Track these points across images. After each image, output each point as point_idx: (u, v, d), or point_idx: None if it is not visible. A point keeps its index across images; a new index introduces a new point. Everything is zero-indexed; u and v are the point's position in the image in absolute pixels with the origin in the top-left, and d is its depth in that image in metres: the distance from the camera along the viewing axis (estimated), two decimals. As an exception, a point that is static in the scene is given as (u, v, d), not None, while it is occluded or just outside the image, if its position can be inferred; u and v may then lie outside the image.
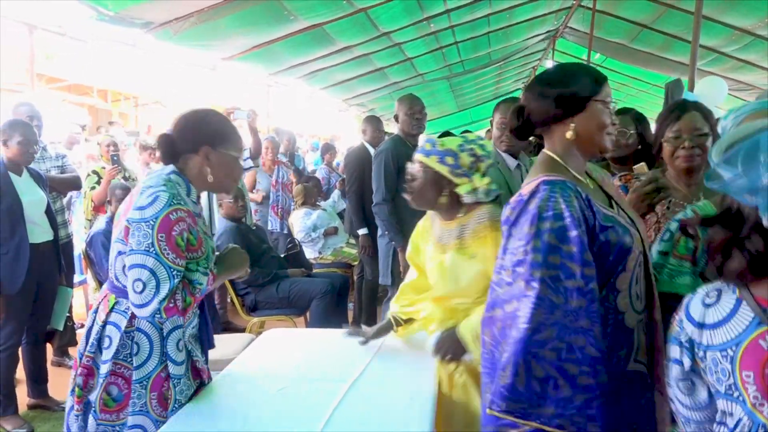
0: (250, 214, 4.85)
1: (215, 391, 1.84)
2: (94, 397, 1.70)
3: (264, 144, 5.09)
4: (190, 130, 1.76)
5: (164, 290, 1.59)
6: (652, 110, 8.65)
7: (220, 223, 4.00)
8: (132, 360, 1.69)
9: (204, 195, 2.20)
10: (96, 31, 4.87)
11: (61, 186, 3.73)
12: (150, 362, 1.69)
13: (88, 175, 4.29)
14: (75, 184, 3.89)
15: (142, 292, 1.59)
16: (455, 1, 6.71)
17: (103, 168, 4.28)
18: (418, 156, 1.96)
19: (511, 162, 2.66)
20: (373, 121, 4.54)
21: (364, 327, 2.26)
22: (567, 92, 1.40)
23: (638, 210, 1.71)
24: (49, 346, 3.67)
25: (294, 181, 5.84)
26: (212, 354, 1.95)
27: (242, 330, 4.08)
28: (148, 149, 5.75)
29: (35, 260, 3.09)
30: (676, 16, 6.86)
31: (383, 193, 3.53)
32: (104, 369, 1.68)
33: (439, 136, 5.35)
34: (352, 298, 4.76)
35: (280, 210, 5.37)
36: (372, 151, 4.03)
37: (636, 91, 11.05)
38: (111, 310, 1.71)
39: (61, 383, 3.25)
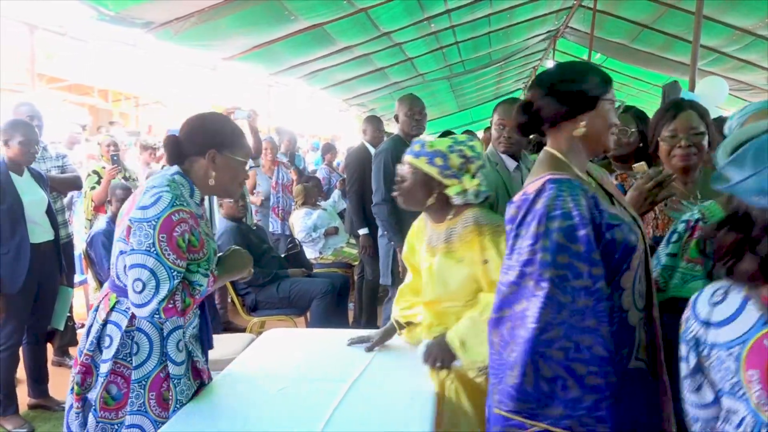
0: (251, 214, 4.86)
1: (215, 391, 1.84)
2: (93, 395, 1.70)
3: (263, 145, 5.09)
4: (198, 133, 1.76)
5: (164, 291, 1.59)
6: (652, 110, 8.54)
7: (221, 223, 4.00)
8: (131, 360, 1.69)
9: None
10: (97, 31, 4.87)
11: (61, 186, 3.73)
12: (149, 362, 1.69)
13: (89, 175, 4.29)
14: (75, 183, 3.90)
15: (141, 291, 1.59)
16: (456, 1, 6.71)
17: (104, 168, 4.28)
18: (407, 157, 1.96)
19: (511, 163, 2.65)
20: (374, 121, 4.54)
21: (367, 332, 2.26)
22: (580, 89, 1.39)
23: (640, 208, 1.70)
24: (49, 345, 3.67)
25: (295, 181, 5.84)
26: (212, 354, 1.95)
27: (243, 330, 4.08)
28: (149, 149, 5.76)
29: (36, 260, 3.09)
30: (676, 16, 6.86)
31: (383, 194, 3.53)
32: (104, 368, 1.69)
33: (440, 136, 5.35)
34: (353, 298, 4.77)
35: (280, 211, 5.37)
36: (372, 151, 4.03)
37: (636, 91, 11.04)
38: (112, 309, 1.72)
39: (61, 383, 3.25)
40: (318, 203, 5.46)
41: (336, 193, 6.28)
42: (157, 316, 1.61)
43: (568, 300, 1.25)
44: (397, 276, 3.56)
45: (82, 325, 4.18)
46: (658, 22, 7.32)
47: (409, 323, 2.16)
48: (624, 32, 8.18)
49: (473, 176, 1.90)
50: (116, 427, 1.69)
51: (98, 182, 4.25)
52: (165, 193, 1.62)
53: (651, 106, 10.43)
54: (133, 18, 4.31)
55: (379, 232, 3.83)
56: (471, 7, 7.14)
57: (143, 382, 1.68)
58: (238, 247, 1.98)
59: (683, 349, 1.09)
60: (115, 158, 4.26)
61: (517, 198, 1.39)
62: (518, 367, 1.27)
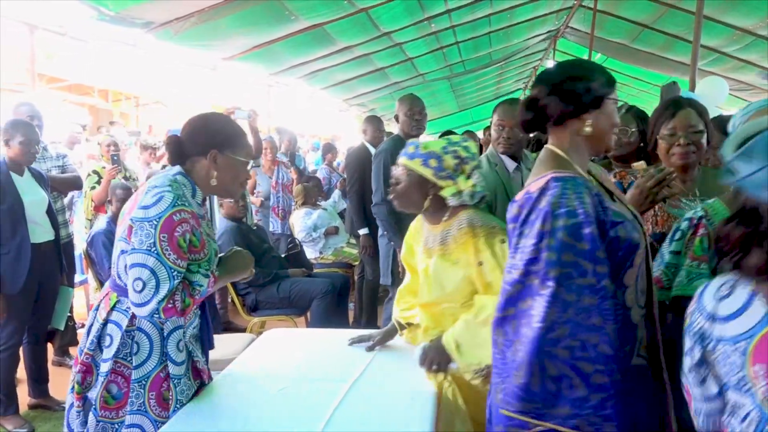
0: (251, 214, 4.86)
1: (216, 391, 1.84)
2: (94, 394, 1.70)
3: (263, 144, 5.09)
4: (199, 133, 1.77)
5: (164, 290, 1.59)
6: (652, 110, 8.59)
7: (221, 223, 4.00)
8: (132, 359, 1.69)
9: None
10: (97, 31, 4.86)
11: (61, 186, 3.73)
12: (149, 362, 1.69)
13: (89, 174, 4.29)
14: (76, 183, 3.90)
15: (141, 291, 1.59)
16: (456, 1, 6.71)
17: (104, 168, 4.28)
18: (401, 159, 1.95)
19: (510, 164, 2.64)
20: (374, 121, 4.54)
21: (368, 332, 2.26)
22: (588, 88, 1.39)
23: (641, 206, 1.71)
24: (50, 345, 3.67)
25: (295, 181, 5.84)
26: (213, 354, 1.95)
27: (243, 330, 4.08)
28: (149, 149, 5.76)
29: (36, 260, 3.09)
30: (677, 16, 6.86)
31: (383, 194, 3.53)
32: (105, 367, 1.69)
33: (441, 136, 5.37)
34: (353, 298, 4.76)
35: (281, 211, 5.37)
36: (373, 151, 4.03)
37: (637, 91, 11.04)
38: (112, 308, 1.72)
39: (61, 383, 3.25)
40: (318, 203, 5.46)
41: (336, 193, 6.28)
42: (157, 315, 1.61)
43: (573, 298, 1.25)
44: (397, 276, 3.56)
45: (83, 325, 4.18)
46: (659, 22, 7.32)
47: (410, 324, 2.16)
48: (624, 32, 8.18)
49: (468, 177, 1.90)
50: (116, 426, 1.69)
51: (98, 182, 4.25)
52: (167, 193, 1.63)
53: (651, 106, 10.34)
54: (133, 18, 4.31)
55: (379, 232, 3.82)
56: (471, 7, 7.14)
57: (143, 382, 1.68)
58: (239, 248, 1.98)
59: (688, 343, 1.09)
60: (115, 158, 4.26)
61: (519, 196, 1.38)
62: (524, 367, 1.27)
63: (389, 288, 3.72)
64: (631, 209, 1.47)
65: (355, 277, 4.77)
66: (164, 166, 5.75)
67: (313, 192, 5.40)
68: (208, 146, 1.73)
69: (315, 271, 4.49)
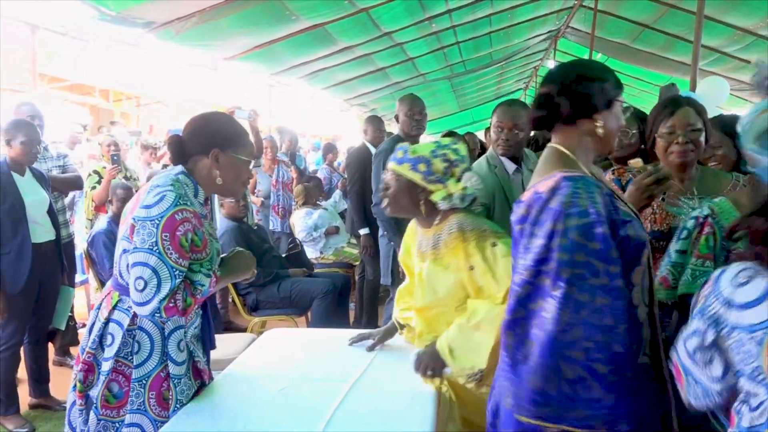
0: (252, 214, 4.86)
1: (216, 391, 1.84)
2: (95, 393, 1.71)
3: (263, 144, 5.09)
4: (201, 132, 1.77)
5: (165, 289, 1.59)
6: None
7: (222, 223, 4.00)
8: (132, 358, 1.69)
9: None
10: (98, 31, 4.87)
11: (62, 185, 3.74)
12: (150, 361, 1.69)
13: (89, 174, 4.30)
14: (76, 183, 3.90)
15: (143, 290, 1.59)
16: (457, 1, 6.71)
17: (104, 168, 4.28)
18: (390, 164, 1.95)
19: (510, 166, 2.63)
20: (375, 121, 4.54)
21: (368, 331, 2.26)
22: (602, 88, 1.39)
23: (638, 202, 1.71)
24: (50, 345, 3.67)
25: (295, 179, 5.84)
26: (213, 354, 1.95)
27: (243, 330, 4.08)
28: (150, 149, 5.76)
29: (37, 260, 3.09)
30: (677, 16, 6.85)
31: (383, 194, 3.53)
32: (106, 366, 1.69)
33: (443, 136, 5.35)
34: (354, 298, 4.77)
35: (281, 209, 5.37)
36: (373, 151, 4.03)
37: (638, 91, 11.03)
38: (114, 307, 1.72)
39: (62, 383, 3.25)
40: (319, 203, 5.46)
41: (337, 193, 6.29)
42: (158, 315, 1.61)
43: (586, 299, 1.24)
44: (398, 276, 3.56)
45: (83, 325, 4.18)
46: (659, 22, 7.31)
47: (408, 324, 2.16)
48: (625, 32, 8.17)
49: (458, 180, 1.89)
50: (117, 425, 1.69)
51: (99, 182, 4.25)
52: (169, 192, 1.63)
53: (652, 106, 10.38)
54: (134, 18, 4.31)
55: (380, 232, 3.82)
56: (472, 7, 7.14)
57: (143, 381, 1.68)
58: (241, 249, 1.98)
59: (699, 324, 1.08)
60: (116, 158, 4.26)
61: (526, 196, 1.37)
62: (540, 372, 1.26)
63: (390, 288, 3.72)
64: (632, 208, 1.47)
65: (356, 277, 4.77)
66: (164, 166, 5.76)
67: (313, 192, 5.40)
68: (209, 145, 1.74)
69: (315, 271, 4.49)
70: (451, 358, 1.82)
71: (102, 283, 3.47)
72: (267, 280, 3.75)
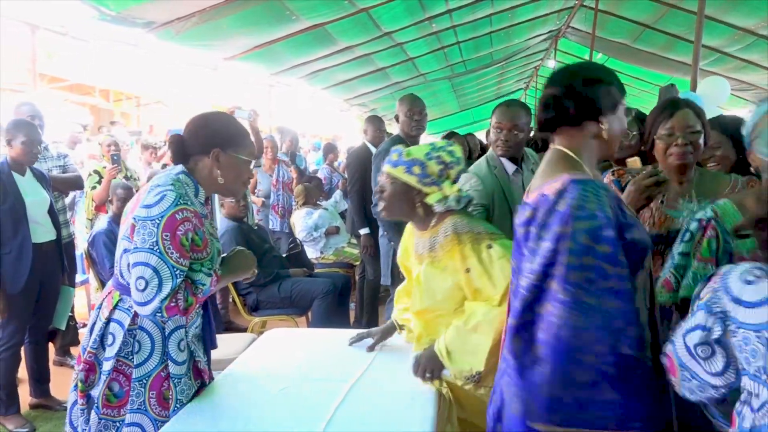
0: (252, 214, 4.86)
1: (217, 391, 1.84)
2: (96, 392, 1.71)
3: (264, 144, 5.09)
4: (202, 132, 1.77)
5: (166, 289, 1.59)
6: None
7: (222, 223, 4.00)
8: (133, 358, 1.69)
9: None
10: (98, 31, 4.87)
11: (63, 185, 3.74)
12: (150, 361, 1.70)
13: (90, 174, 4.30)
14: (77, 183, 3.90)
15: (144, 290, 1.59)
16: (457, 0, 6.71)
17: (105, 167, 4.28)
18: (385, 167, 1.94)
19: (510, 167, 2.62)
20: (375, 121, 4.54)
21: (368, 330, 2.26)
22: (608, 91, 1.39)
23: (636, 203, 1.71)
24: (51, 345, 3.67)
25: (295, 180, 5.84)
26: (214, 354, 1.95)
27: (244, 330, 4.08)
28: (150, 148, 5.76)
29: (38, 260, 3.09)
30: (678, 16, 6.85)
31: (383, 194, 3.52)
32: (107, 366, 1.69)
33: (444, 137, 5.32)
34: (354, 298, 4.77)
35: (280, 209, 5.37)
36: (374, 150, 4.03)
37: (638, 91, 11.03)
38: (115, 307, 1.72)
39: (63, 383, 3.26)
40: (319, 203, 5.46)
41: (338, 194, 6.29)
42: (159, 314, 1.61)
43: (595, 302, 1.23)
44: (398, 276, 3.56)
45: (84, 325, 4.18)
46: (660, 22, 7.31)
47: (406, 326, 2.16)
48: (626, 32, 8.17)
49: (453, 182, 1.88)
50: (118, 424, 1.70)
51: (99, 182, 4.25)
52: (169, 192, 1.63)
53: (652, 106, 10.38)
54: (134, 18, 4.31)
55: (380, 232, 3.82)
56: (472, 7, 7.14)
57: (144, 381, 1.69)
58: (242, 248, 1.98)
59: (704, 318, 1.07)
60: (116, 158, 4.26)
61: (532, 199, 1.36)
62: (553, 377, 1.25)
63: (390, 288, 3.72)
64: (632, 212, 1.47)
65: (356, 277, 4.77)
66: (164, 166, 5.76)
67: (314, 192, 5.41)
68: (210, 145, 1.74)
69: (316, 271, 4.49)
70: (448, 361, 1.82)
71: (102, 283, 3.47)
72: (267, 280, 3.75)
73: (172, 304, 1.61)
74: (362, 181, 4.07)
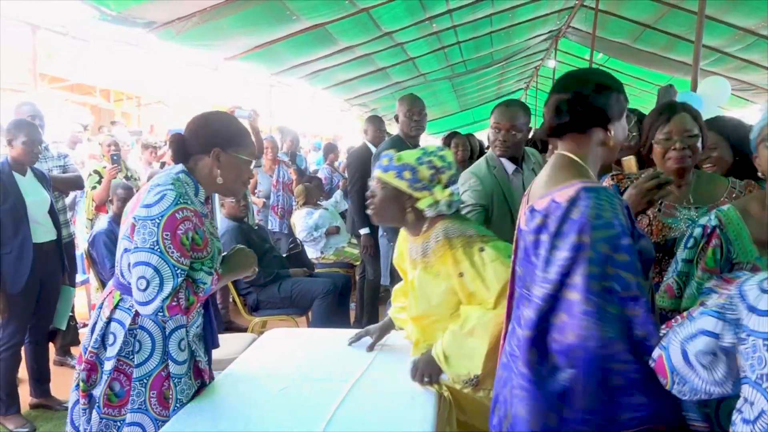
0: (253, 214, 4.86)
1: (217, 391, 1.85)
2: (98, 392, 1.71)
3: (264, 144, 5.09)
4: (203, 131, 1.77)
5: (167, 288, 1.59)
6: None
7: (222, 223, 4.01)
8: (134, 357, 1.70)
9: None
10: (98, 31, 4.88)
11: (63, 185, 3.74)
12: (151, 361, 1.70)
13: (90, 174, 4.30)
14: (77, 183, 3.90)
15: (145, 289, 1.59)
16: (457, 0, 6.71)
17: (105, 167, 4.29)
18: (376, 172, 1.93)
19: (509, 166, 2.62)
20: (375, 121, 4.54)
21: (367, 328, 2.26)
22: (617, 98, 1.39)
23: (637, 207, 1.70)
24: (51, 345, 3.67)
25: (295, 180, 5.84)
26: (214, 353, 1.95)
27: (244, 330, 4.08)
28: (150, 148, 5.76)
29: (38, 260, 3.09)
30: (679, 16, 6.85)
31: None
32: (108, 365, 1.70)
33: (446, 137, 5.30)
34: (354, 298, 4.77)
35: (280, 210, 5.37)
36: (374, 150, 4.03)
37: (639, 91, 11.02)
38: (115, 306, 1.73)
39: (63, 383, 3.26)
40: (319, 203, 5.46)
41: (338, 194, 6.29)
42: (161, 314, 1.61)
43: (618, 311, 1.23)
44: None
45: (84, 325, 4.19)
46: (660, 22, 7.31)
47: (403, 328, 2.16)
48: (626, 32, 8.17)
49: (445, 187, 1.87)
50: (119, 424, 1.70)
51: (99, 182, 4.25)
52: (169, 191, 1.63)
53: (653, 107, 10.37)
54: (134, 18, 4.32)
55: (380, 232, 3.82)
56: (472, 7, 7.14)
57: (145, 381, 1.69)
58: (242, 246, 1.98)
59: (714, 324, 1.07)
60: (116, 158, 4.27)
61: (541, 205, 1.34)
62: (586, 389, 1.24)
63: (389, 288, 3.72)
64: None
65: (357, 277, 4.77)
66: (162, 165, 5.77)
67: (314, 192, 5.41)
68: (211, 144, 1.74)
69: (316, 270, 4.49)
70: (446, 365, 1.82)
71: (102, 283, 3.47)
72: (268, 280, 3.75)
73: (174, 304, 1.61)
74: (362, 181, 4.07)
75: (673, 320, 1.20)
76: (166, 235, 1.59)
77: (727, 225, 1.55)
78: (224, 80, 7.27)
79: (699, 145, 1.85)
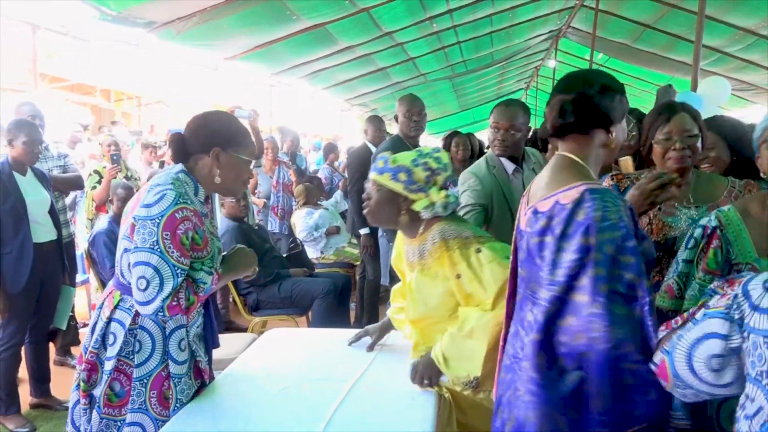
0: (253, 214, 4.86)
1: (217, 391, 1.85)
2: (98, 392, 1.71)
3: (264, 144, 5.09)
4: (202, 131, 1.77)
5: (168, 288, 1.59)
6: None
7: (223, 223, 4.01)
8: (134, 357, 1.70)
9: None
10: (99, 31, 4.88)
11: (63, 185, 3.74)
12: (151, 361, 1.70)
13: (90, 174, 4.30)
14: (77, 183, 3.90)
15: (145, 289, 1.60)
16: (458, 0, 6.71)
17: (105, 167, 4.29)
18: (371, 175, 1.93)
19: (509, 166, 2.62)
20: (375, 121, 4.54)
21: (366, 328, 2.26)
22: (621, 100, 1.39)
23: (639, 208, 1.70)
24: (51, 345, 3.67)
25: (294, 182, 5.84)
26: (214, 353, 1.96)
27: (244, 330, 4.08)
28: (149, 147, 5.76)
29: (39, 260, 3.09)
30: (679, 16, 6.85)
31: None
32: (109, 366, 1.70)
33: (447, 136, 5.28)
34: (354, 298, 4.77)
35: (280, 211, 5.37)
36: (374, 150, 4.03)
37: (639, 91, 11.03)
38: (116, 306, 1.73)
39: (63, 382, 3.26)
40: (319, 203, 5.46)
41: (338, 194, 6.29)
42: (161, 314, 1.61)
43: (627, 312, 1.24)
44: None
45: (84, 325, 4.19)
46: (661, 22, 7.31)
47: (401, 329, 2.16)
48: (626, 32, 8.17)
49: (441, 188, 1.87)
50: (119, 423, 1.70)
51: (99, 182, 4.25)
52: (169, 191, 1.63)
53: (653, 107, 10.36)
54: (135, 18, 4.32)
55: (380, 232, 3.82)
56: (473, 7, 7.14)
57: (145, 381, 1.69)
58: (242, 246, 1.98)
59: (721, 325, 1.06)
60: (115, 158, 4.27)
61: (545, 207, 1.34)
62: (601, 391, 1.24)
63: (390, 288, 3.72)
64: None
65: (357, 277, 4.77)
66: (161, 164, 5.77)
67: (314, 192, 5.40)
68: (210, 144, 1.74)
69: (316, 270, 4.49)
70: (446, 367, 1.81)
71: (103, 283, 3.47)
72: (268, 279, 3.75)
73: (174, 303, 1.61)
74: (362, 181, 4.04)
75: (672, 321, 1.20)
76: (166, 234, 1.59)
77: (727, 226, 1.55)
78: (224, 80, 7.28)
79: (699, 145, 1.85)
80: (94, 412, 1.71)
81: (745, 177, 1.90)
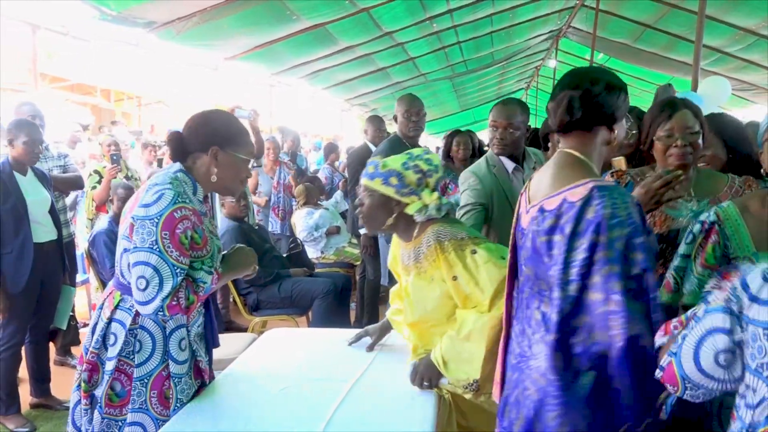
0: (253, 214, 4.86)
1: (217, 391, 1.85)
2: (99, 392, 1.71)
3: (266, 144, 5.09)
4: (201, 130, 1.77)
5: (167, 288, 1.59)
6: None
7: (223, 223, 4.01)
8: (134, 357, 1.70)
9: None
10: (99, 31, 4.88)
11: (63, 185, 3.74)
12: (152, 360, 1.70)
13: (90, 174, 4.30)
14: (77, 183, 3.90)
15: (145, 289, 1.59)
16: (458, 0, 6.71)
17: (105, 167, 4.29)
18: (362, 180, 1.92)
19: (509, 165, 2.62)
20: (375, 121, 4.54)
21: (366, 328, 2.26)
22: (624, 98, 1.39)
23: (645, 207, 1.69)
24: (51, 345, 3.67)
25: (293, 183, 5.84)
26: (214, 353, 1.95)
27: (244, 329, 4.08)
28: (149, 147, 5.76)
29: (39, 259, 3.09)
30: (679, 16, 6.85)
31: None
32: (110, 366, 1.70)
33: (448, 135, 5.26)
34: (355, 298, 4.77)
35: (280, 211, 5.37)
36: (374, 150, 4.02)
37: (639, 91, 11.01)
38: (116, 307, 1.73)
39: (63, 382, 3.26)
40: (320, 203, 5.46)
41: (338, 193, 6.29)
42: (161, 313, 1.61)
43: (640, 308, 1.24)
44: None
45: (85, 325, 4.19)
46: (661, 22, 7.31)
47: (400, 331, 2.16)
48: (627, 32, 8.17)
49: (433, 190, 1.86)
50: (120, 423, 1.70)
51: (99, 182, 4.25)
52: (167, 191, 1.63)
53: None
54: (135, 18, 4.32)
55: (381, 232, 3.81)
56: (473, 7, 7.14)
57: (145, 380, 1.69)
58: (242, 245, 1.98)
59: (724, 319, 1.06)
60: (115, 158, 4.27)
61: (552, 206, 1.33)
62: (623, 384, 1.24)
63: (389, 288, 3.72)
64: None
65: (357, 277, 4.77)
66: (159, 163, 5.77)
67: (314, 192, 5.40)
68: (209, 143, 1.73)
69: (316, 270, 4.49)
70: (445, 370, 1.81)
71: (103, 283, 3.47)
72: (268, 279, 3.75)
73: (174, 303, 1.61)
74: (363, 181, 4.07)
75: (672, 326, 1.19)
76: (165, 234, 1.59)
77: (725, 221, 1.55)
78: (224, 80, 7.27)
79: (700, 141, 1.85)
80: (96, 412, 1.71)
81: (743, 175, 1.90)
